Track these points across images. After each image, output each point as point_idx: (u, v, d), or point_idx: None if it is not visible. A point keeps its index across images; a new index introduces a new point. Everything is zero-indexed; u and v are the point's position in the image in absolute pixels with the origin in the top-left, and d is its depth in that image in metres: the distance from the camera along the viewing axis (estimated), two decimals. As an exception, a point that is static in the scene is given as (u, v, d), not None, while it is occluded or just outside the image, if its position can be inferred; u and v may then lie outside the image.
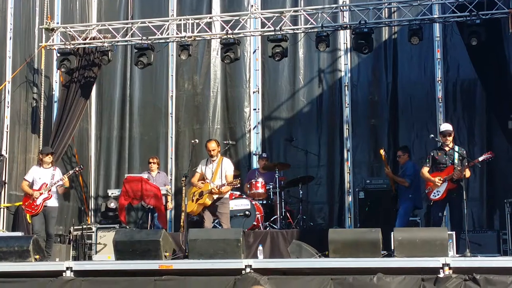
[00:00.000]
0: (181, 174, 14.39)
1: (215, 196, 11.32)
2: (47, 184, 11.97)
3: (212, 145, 11.58)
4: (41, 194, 11.92)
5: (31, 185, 12.11)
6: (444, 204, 11.07)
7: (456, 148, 10.97)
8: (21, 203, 12.61)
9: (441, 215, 11.10)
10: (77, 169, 12.76)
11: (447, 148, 10.95)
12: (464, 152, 11.01)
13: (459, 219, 10.75)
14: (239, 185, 11.81)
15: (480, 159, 10.86)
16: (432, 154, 11.09)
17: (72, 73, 14.35)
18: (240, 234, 9.69)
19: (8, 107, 14.18)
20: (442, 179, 10.77)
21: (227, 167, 11.54)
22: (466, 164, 10.69)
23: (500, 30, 12.75)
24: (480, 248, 11.20)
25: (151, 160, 13.98)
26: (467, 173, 10.79)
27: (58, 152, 14.04)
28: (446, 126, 11.24)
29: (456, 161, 10.81)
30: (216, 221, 12.11)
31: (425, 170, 11.06)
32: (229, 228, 11.74)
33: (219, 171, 11.39)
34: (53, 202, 12.06)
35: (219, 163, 11.51)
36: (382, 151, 12.31)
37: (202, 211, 11.47)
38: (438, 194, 10.85)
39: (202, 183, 11.47)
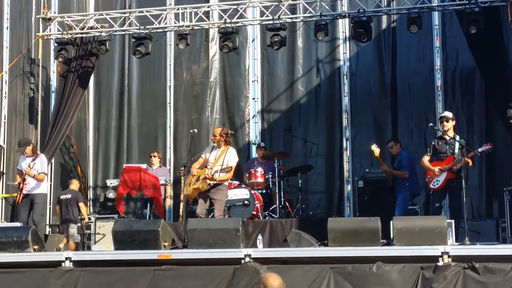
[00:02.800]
0: (180, 164, 14.34)
1: (211, 183, 11.25)
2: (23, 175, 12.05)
3: (216, 131, 11.58)
4: (19, 184, 12.01)
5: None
6: (444, 193, 11.07)
7: (457, 137, 10.96)
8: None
9: (439, 205, 11.09)
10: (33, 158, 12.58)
11: (447, 137, 10.95)
12: (464, 142, 10.97)
13: (458, 207, 10.74)
14: (230, 170, 11.85)
15: (480, 150, 10.87)
16: (433, 143, 11.11)
17: (69, 63, 14.30)
18: (239, 223, 9.70)
19: (5, 97, 14.16)
20: (441, 168, 10.76)
21: (230, 157, 11.39)
22: (465, 154, 10.66)
23: (499, 18, 12.71)
24: (479, 237, 11.19)
25: (152, 154, 13.95)
26: (469, 162, 10.79)
27: (56, 143, 14.03)
28: (445, 113, 11.36)
29: (456, 150, 10.80)
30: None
31: (426, 159, 11.06)
32: (228, 218, 11.73)
33: (221, 159, 11.28)
34: (34, 190, 12.07)
35: (223, 151, 11.40)
36: (373, 147, 12.22)
37: (197, 196, 11.41)
38: (437, 184, 10.84)
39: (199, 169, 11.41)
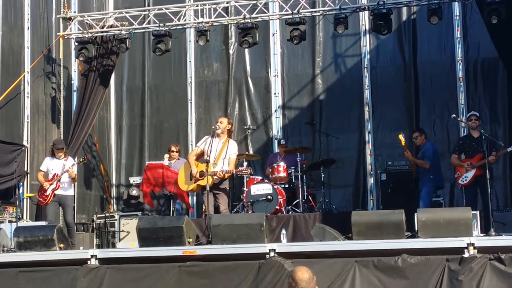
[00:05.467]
0: (201, 161, 14.36)
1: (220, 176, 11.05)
2: (57, 175, 12.03)
3: (224, 119, 11.39)
4: (50, 184, 12.00)
5: (46, 175, 12.23)
6: (474, 188, 11.26)
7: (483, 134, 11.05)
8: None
9: (471, 200, 11.20)
10: (81, 159, 12.78)
11: (475, 135, 11.05)
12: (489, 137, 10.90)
13: (486, 201, 10.83)
14: (250, 175, 11.85)
15: (508, 149, 11.13)
16: (460, 142, 11.37)
17: (90, 62, 14.38)
18: (263, 218, 9.66)
19: (27, 97, 14.25)
20: (471, 164, 11.04)
21: (232, 150, 11.14)
22: (495, 153, 10.81)
23: (520, 7, 12.60)
24: (505, 227, 11.12)
25: (173, 148, 13.96)
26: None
27: (79, 142, 14.11)
28: (473, 112, 11.79)
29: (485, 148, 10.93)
30: (238, 205, 12.17)
31: (454, 157, 11.44)
32: (252, 213, 11.74)
33: (223, 153, 11.06)
34: (65, 191, 12.17)
35: (225, 144, 11.13)
36: (401, 136, 12.24)
37: (201, 191, 11.26)
38: (466, 180, 11.17)
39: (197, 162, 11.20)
